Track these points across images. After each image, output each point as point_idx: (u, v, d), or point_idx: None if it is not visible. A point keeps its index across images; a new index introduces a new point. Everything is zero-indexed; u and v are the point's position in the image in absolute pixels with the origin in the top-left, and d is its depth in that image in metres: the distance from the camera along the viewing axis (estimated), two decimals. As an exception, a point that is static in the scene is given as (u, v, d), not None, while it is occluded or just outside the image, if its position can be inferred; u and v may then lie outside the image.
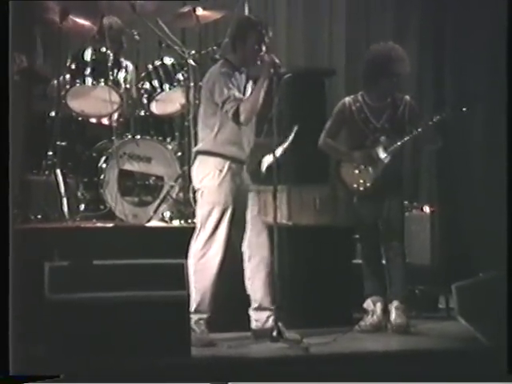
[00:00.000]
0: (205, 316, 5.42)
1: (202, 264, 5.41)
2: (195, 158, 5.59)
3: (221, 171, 5.44)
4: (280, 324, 5.29)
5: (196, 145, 5.71)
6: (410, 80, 8.08)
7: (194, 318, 5.31)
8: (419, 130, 5.85)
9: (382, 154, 5.92)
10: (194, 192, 5.66)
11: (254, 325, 5.53)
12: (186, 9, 6.72)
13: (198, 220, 5.54)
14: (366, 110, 6.01)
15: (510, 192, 5.27)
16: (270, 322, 5.43)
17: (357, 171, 5.98)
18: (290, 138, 5.95)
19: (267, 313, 5.48)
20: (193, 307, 5.33)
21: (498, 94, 7.39)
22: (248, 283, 5.52)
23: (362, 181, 5.97)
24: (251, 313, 5.54)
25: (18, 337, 4.53)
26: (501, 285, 5.01)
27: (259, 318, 5.50)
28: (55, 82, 6.65)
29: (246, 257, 5.53)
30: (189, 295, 5.05)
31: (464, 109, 5.89)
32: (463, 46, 8.13)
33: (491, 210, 7.75)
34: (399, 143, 5.90)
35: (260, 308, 5.51)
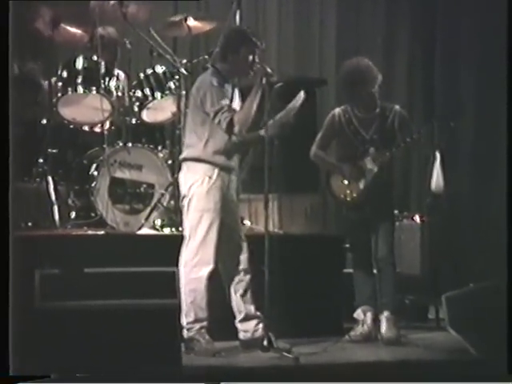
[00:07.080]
0: (205, 324, 5.39)
1: (196, 272, 5.38)
2: (181, 164, 5.56)
3: (210, 178, 5.41)
4: (270, 333, 5.27)
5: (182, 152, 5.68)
6: (401, 89, 8.14)
7: (195, 327, 5.34)
8: (407, 140, 5.86)
9: (371, 165, 5.93)
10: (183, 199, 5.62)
11: (241, 335, 5.52)
12: (177, 18, 6.73)
13: (186, 228, 5.50)
14: (355, 121, 6.00)
15: (510, 204, 5.29)
16: (259, 330, 5.43)
17: (346, 182, 5.98)
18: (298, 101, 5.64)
19: (254, 321, 5.48)
20: (191, 317, 5.34)
21: (493, 102, 7.46)
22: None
23: (349, 191, 5.97)
24: (238, 325, 5.53)
25: (18, 337, 4.54)
26: (501, 289, 5.03)
27: (247, 329, 5.49)
28: (47, 89, 6.66)
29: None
30: (180, 304, 5.04)
31: (452, 124, 5.89)
32: (456, 56, 8.16)
33: (482, 220, 7.78)
34: (387, 154, 5.91)
35: (246, 318, 5.50)
